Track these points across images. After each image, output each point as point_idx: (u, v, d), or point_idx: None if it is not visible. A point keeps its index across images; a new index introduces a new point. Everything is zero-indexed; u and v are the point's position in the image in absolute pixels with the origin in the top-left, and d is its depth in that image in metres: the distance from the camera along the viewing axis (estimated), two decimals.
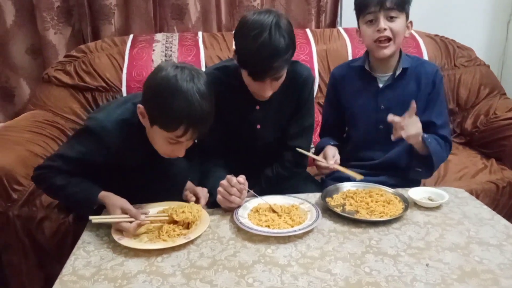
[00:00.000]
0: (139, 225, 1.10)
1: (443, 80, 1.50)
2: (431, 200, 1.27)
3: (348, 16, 2.40)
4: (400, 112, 1.31)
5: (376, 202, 1.24)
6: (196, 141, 1.28)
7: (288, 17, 1.27)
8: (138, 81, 1.99)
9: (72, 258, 1.03)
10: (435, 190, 1.31)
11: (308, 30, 2.25)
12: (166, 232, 1.09)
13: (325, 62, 2.14)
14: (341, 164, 1.38)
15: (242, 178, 1.22)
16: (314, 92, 1.79)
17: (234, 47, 1.28)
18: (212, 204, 1.27)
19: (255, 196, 1.27)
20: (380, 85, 1.47)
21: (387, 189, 1.31)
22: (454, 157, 1.95)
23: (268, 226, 1.13)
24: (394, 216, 1.17)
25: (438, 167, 1.48)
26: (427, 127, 1.40)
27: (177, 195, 1.28)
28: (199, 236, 1.09)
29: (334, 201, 1.26)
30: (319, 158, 1.40)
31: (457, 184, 1.64)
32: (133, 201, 1.14)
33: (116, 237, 1.06)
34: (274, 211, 1.21)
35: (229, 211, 1.22)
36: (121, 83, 2.00)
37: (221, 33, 2.24)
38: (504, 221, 1.17)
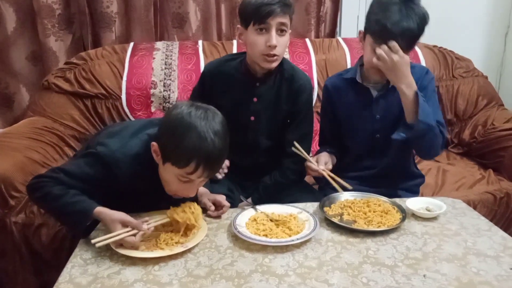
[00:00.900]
0: (143, 235, 1.08)
1: (433, 80, 1.48)
2: (428, 210, 1.27)
3: (347, 26, 2.41)
4: (396, 121, 1.30)
5: (374, 212, 1.24)
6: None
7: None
8: (138, 88, 2.00)
9: (68, 265, 1.03)
10: (432, 200, 1.31)
11: (307, 40, 2.26)
12: (164, 241, 1.09)
13: (324, 71, 2.14)
14: (337, 175, 1.37)
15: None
16: (313, 101, 1.81)
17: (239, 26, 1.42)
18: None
19: (253, 208, 1.27)
20: (374, 95, 1.47)
21: (385, 199, 1.32)
22: (452, 168, 1.96)
23: (266, 235, 1.13)
24: (392, 226, 1.17)
25: (425, 143, 1.36)
26: None
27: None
28: (196, 245, 1.09)
29: (332, 211, 1.27)
30: (311, 160, 1.41)
31: (455, 195, 1.64)
32: (130, 212, 1.13)
33: (113, 245, 1.06)
34: (272, 220, 1.21)
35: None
36: (121, 91, 2.00)
37: (221, 41, 2.25)
38: (501, 233, 1.17)
